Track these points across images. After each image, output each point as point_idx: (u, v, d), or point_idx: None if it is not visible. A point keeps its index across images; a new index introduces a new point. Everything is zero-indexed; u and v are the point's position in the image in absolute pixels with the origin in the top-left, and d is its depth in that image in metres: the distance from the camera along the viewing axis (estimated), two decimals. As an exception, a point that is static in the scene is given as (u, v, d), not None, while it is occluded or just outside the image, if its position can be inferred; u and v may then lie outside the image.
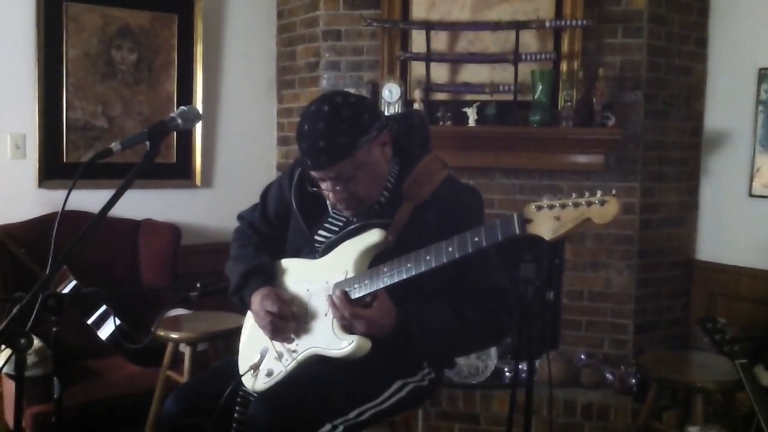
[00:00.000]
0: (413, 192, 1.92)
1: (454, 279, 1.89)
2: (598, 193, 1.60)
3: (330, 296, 1.86)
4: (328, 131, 1.80)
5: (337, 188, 1.87)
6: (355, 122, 1.82)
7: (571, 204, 1.61)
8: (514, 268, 2.40)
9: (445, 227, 1.84)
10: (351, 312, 1.81)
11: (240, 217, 2.25)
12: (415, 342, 1.88)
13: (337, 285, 1.89)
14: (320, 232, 2.02)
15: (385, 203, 1.95)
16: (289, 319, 1.93)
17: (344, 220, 2.00)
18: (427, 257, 1.76)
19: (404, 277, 1.79)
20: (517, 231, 1.65)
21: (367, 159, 1.86)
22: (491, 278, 1.94)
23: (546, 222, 1.62)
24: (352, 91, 3.67)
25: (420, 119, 2.11)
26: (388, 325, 1.83)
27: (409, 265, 1.78)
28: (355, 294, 1.85)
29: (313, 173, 1.89)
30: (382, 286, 1.82)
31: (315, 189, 1.95)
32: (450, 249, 1.73)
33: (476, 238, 1.71)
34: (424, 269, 1.76)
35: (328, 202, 2.01)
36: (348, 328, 1.84)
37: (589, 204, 1.59)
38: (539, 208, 1.63)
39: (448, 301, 1.91)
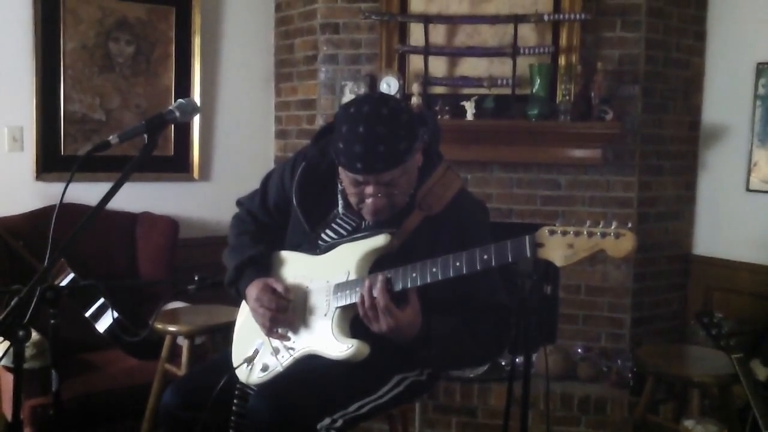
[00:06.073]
0: (427, 203, 1.89)
1: (459, 293, 1.85)
2: (613, 225, 1.57)
3: (368, 284, 1.76)
4: (390, 136, 1.73)
5: (379, 195, 1.81)
6: (412, 128, 1.79)
7: (585, 233, 1.58)
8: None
9: (453, 243, 1.80)
10: (386, 304, 1.73)
11: (239, 203, 2.21)
12: (429, 353, 1.84)
13: (338, 286, 1.87)
14: (327, 232, 1.97)
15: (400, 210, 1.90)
16: (287, 310, 1.91)
17: (354, 224, 1.95)
18: (434, 269, 1.73)
19: (408, 286, 1.76)
20: (528, 254, 1.62)
21: (412, 166, 1.84)
22: (497, 295, 1.93)
23: (558, 248, 1.59)
24: (349, 84, 3.69)
25: (434, 123, 2.02)
26: (410, 335, 1.78)
27: (414, 275, 1.75)
28: (356, 297, 1.80)
29: (356, 176, 1.79)
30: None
31: (341, 186, 1.89)
32: (458, 264, 1.70)
33: (485, 256, 1.67)
34: (429, 280, 1.73)
35: (339, 203, 1.96)
36: (368, 321, 1.77)
37: (604, 235, 1.56)
38: (552, 232, 1.60)
39: (462, 316, 1.87)
